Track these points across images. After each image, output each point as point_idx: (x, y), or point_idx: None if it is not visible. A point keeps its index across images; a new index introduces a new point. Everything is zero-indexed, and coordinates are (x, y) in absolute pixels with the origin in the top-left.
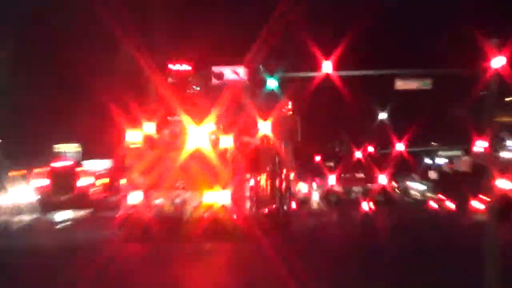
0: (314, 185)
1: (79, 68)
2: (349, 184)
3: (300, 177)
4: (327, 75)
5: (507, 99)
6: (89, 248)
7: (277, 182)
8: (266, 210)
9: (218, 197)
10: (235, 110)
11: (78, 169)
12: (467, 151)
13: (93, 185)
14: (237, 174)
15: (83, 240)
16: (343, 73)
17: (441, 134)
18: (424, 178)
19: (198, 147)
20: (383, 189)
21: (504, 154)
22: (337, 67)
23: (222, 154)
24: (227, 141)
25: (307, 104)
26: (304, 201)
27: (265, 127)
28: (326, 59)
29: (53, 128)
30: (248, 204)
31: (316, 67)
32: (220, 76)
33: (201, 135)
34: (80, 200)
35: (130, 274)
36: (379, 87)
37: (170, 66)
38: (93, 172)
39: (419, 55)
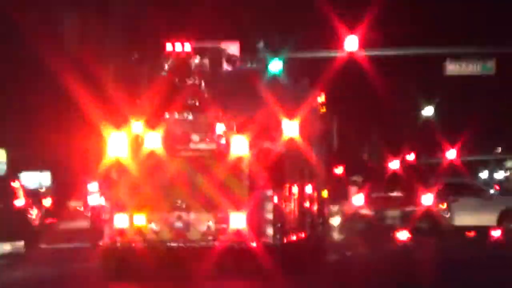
0: (335, 207)
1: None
2: (381, 206)
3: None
4: (351, 54)
5: None
6: None
7: (308, 201)
8: (294, 238)
9: (231, 220)
10: (252, 105)
11: (14, 184)
12: None
13: (32, 207)
14: (256, 189)
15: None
16: (373, 52)
17: (509, 137)
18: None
19: (203, 153)
20: (428, 212)
21: None
22: (364, 44)
23: (236, 164)
24: (242, 146)
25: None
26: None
27: (291, 128)
28: (351, 33)
29: None
30: (270, 230)
31: (336, 44)
32: (234, 60)
33: (208, 138)
34: (18, 227)
35: None
36: (423, 72)
37: (168, 47)
38: (32, 190)
39: (478, 29)
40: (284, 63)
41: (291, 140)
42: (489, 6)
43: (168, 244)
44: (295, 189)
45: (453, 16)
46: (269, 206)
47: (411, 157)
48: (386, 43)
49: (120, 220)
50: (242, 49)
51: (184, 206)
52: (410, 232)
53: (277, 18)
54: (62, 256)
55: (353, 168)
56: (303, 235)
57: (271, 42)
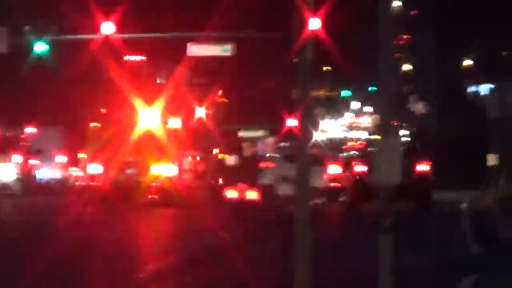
0: None
1: None
2: None
3: None
4: (107, 37)
5: (324, 68)
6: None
7: (211, 159)
8: (203, 183)
9: (164, 170)
10: (176, 96)
11: None
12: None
13: None
14: (181, 150)
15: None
16: (127, 35)
17: (245, 111)
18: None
19: (148, 126)
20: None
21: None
22: (120, 29)
23: (170, 134)
24: (175, 122)
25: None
26: None
27: (201, 112)
28: (107, 19)
29: None
30: (188, 177)
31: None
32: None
33: (152, 117)
34: None
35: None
36: (169, 52)
37: (126, 58)
38: None
39: (220, 15)
40: (49, 45)
41: (201, 119)
42: None
43: (122, 184)
44: (204, 152)
45: (196, 5)
46: (188, 161)
47: None
48: (142, 28)
49: (91, 169)
50: (9, 33)
51: (134, 160)
52: None
53: (44, 3)
54: None
55: None
56: (207, 181)
57: (37, 26)
